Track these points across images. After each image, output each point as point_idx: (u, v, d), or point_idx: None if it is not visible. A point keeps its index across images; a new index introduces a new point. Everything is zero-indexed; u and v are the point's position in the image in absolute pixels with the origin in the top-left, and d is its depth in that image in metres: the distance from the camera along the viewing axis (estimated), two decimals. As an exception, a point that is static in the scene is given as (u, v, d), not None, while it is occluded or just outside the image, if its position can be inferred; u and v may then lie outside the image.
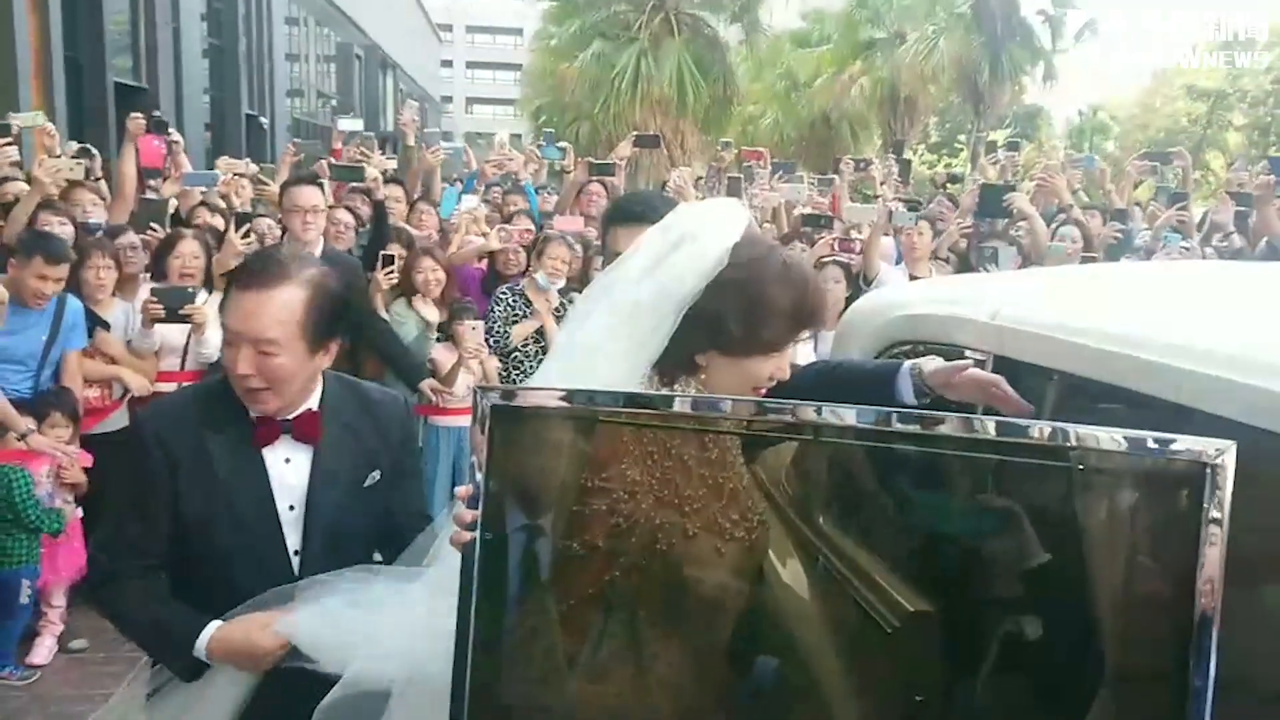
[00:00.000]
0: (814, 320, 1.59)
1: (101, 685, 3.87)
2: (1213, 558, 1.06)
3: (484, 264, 5.37)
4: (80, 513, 4.16)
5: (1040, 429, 1.13)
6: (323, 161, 5.91)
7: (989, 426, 1.13)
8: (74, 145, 6.89)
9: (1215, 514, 1.06)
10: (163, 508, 1.79)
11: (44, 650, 4.10)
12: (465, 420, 4.78)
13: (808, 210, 6.40)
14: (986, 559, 1.21)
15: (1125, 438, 1.09)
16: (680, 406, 1.28)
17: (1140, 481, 1.12)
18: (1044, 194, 6.26)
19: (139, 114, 5.34)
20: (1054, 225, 5.63)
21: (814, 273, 1.70)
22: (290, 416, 1.85)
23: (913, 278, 5.32)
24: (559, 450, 1.29)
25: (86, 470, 4.08)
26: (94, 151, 6.90)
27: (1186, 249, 5.07)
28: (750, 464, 1.38)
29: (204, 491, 1.79)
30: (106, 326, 4.40)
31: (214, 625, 1.75)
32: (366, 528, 1.95)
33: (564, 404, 1.26)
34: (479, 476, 1.25)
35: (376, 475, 1.94)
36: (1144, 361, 1.38)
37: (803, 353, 3.41)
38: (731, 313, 1.51)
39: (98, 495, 4.17)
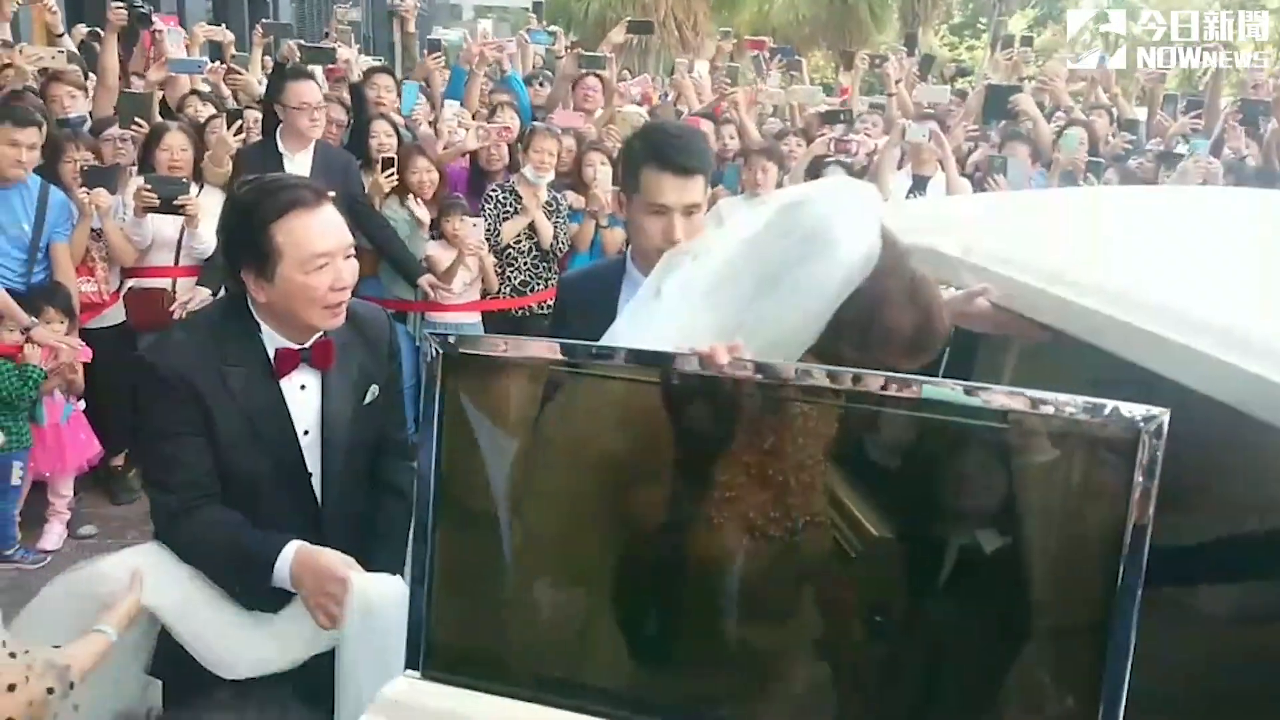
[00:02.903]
0: (930, 349, 1.44)
1: (110, 570, 4.02)
2: (1141, 523, 1.08)
3: (466, 161, 5.23)
4: (83, 405, 4.26)
5: (970, 391, 1.14)
6: (291, 44, 5.71)
7: (908, 385, 1.16)
8: (83, 28, 6.48)
9: (1146, 479, 1.08)
10: (203, 439, 1.84)
11: (54, 536, 4.27)
12: (462, 317, 4.82)
13: (824, 108, 6.21)
14: (925, 514, 1.24)
15: (1058, 401, 1.11)
16: (628, 360, 1.29)
17: (1074, 444, 1.13)
18: (1049, 94, 6.09)
19: (120, 4, 5.13)
20: (1054, 125, 5.51)
21: (938, 293, 1.51)
22: (307, 345, 1.89)
23: (919, 178, 5.25)
24: (509, 397, 1.32)
25: (86, 365, 4.14)
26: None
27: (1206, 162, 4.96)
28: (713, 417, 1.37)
29: (230, 425, 1.84)
30: None
31: (296, 543, 1.81)
32: (371, 444, 2.03)
33: (513, 354, 1.29)
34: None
35: (375, 391, 2.01)
36: (1112, 320, 1.37)
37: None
38: (847, 326, 1.39)
39: (98, 389, 4.28)
